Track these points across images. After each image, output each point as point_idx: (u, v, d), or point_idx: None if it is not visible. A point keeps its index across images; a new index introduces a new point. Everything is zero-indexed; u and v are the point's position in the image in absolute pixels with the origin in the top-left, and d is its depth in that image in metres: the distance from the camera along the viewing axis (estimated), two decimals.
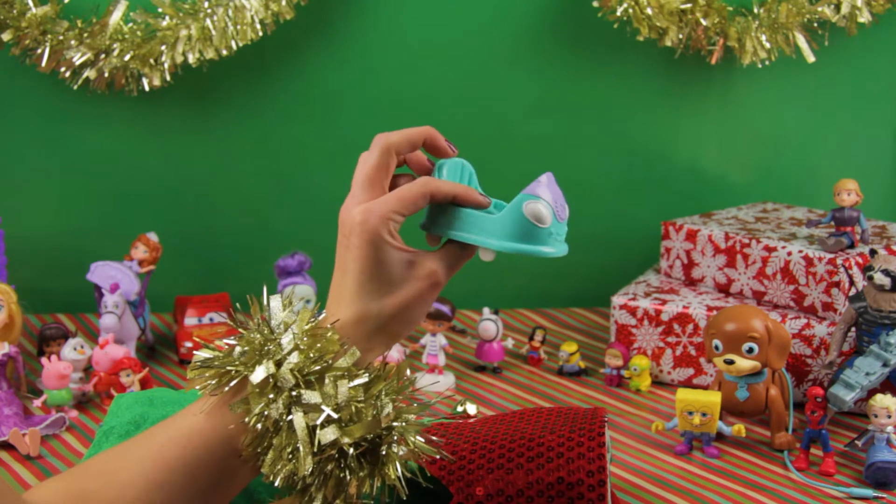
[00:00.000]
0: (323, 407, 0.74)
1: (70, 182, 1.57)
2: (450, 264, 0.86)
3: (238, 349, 0.78)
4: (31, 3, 1.42)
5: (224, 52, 1.45)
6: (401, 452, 0.76)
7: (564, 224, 0.91)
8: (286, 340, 0.78)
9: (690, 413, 1.17)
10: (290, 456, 0.74)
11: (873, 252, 1.26)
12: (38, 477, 1.13)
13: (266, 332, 0.78)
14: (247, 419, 0.75)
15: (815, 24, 1.52)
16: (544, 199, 0.89)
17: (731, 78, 1.59)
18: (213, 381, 0.78)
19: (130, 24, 1.44)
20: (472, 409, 1.20)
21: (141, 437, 0.79)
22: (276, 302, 0.81)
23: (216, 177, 1.58)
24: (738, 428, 1.18)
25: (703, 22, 1.49)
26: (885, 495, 1.09)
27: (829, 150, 1.65)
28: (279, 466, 0.74)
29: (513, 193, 1.66)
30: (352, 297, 0.83)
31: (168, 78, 1.45)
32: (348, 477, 0.74)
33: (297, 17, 1.47)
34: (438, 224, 0.92)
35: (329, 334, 0.79)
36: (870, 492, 1.09)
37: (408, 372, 0.79)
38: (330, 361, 0.77)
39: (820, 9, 1.50)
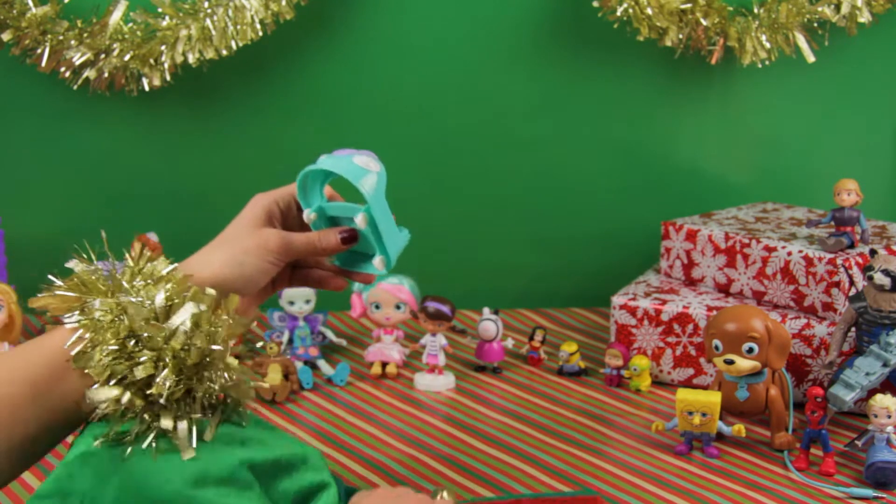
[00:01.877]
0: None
1: (70, 182, 1.57)
2: (291, 238, 0.96)
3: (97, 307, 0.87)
4: (31, 3, 1.42)
5: (224, 52, 1.45)
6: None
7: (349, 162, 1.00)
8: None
9: (690, 413, 1.17)
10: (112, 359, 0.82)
11: (873, 252, 1.26)
12: (37, 476, 1.13)
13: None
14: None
15: (815, 24, 1.52)
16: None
17: (731, 78, 1.59)
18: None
19: (130, 24, 1.44)
20: (448, 498, 1.18)
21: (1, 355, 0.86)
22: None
23: (216, 177, 1.58)
24: (738, 428, 1.18)
25: (704, 22, 1.49)
26: (885, 495, 1.09)
27: (829, 150, 1.65)
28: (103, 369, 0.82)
29: (513, 193, 1.67)
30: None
31: (168, 78, 1.45)
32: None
33: (297, 17, 1.47)
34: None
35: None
36: (870, 492, 1.09)
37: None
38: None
39: (820, 9, 1.50)
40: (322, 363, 1.41)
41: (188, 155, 1.57)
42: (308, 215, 0.98)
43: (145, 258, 0.91)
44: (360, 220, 0.96)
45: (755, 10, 1.52)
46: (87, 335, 0.84)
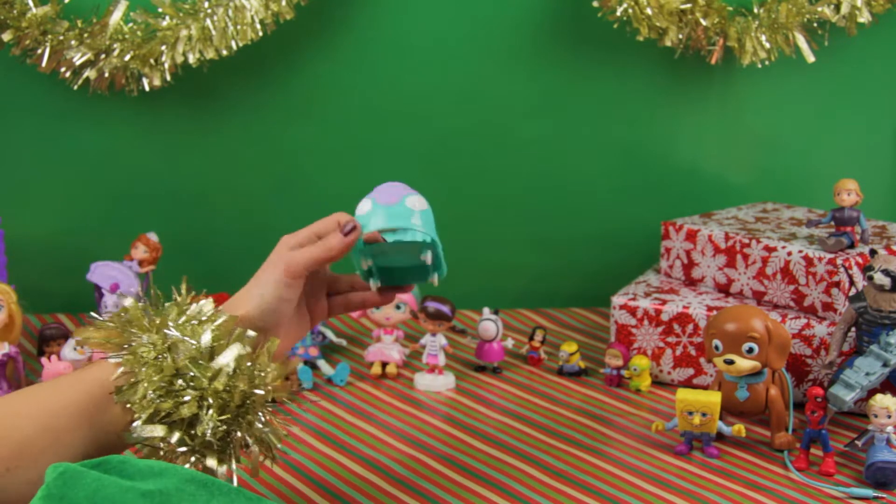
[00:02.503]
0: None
1: (70, 182, 1.57)
2: (296, 253, 1.01)
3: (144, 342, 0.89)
4: (31, 3, 1.42)
5: (224, 52, 1.45)
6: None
7: (401, 210, 1.03)
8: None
9: (690, 413, 1.17)
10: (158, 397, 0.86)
11: (873, 252, 1.26)
12: None
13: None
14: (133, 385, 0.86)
15: (815, 24, 1.52)
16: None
17: (730, 78, 1.59)
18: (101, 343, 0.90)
19: (130, 24, 1.44)
20: None
21: (43, 386, 0.90)
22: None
23: (216, 177, 1.58)
24: (738, 428, 1.18)
25: (703, 22, 1.49)
26: (885, 495, 1.09)
27: (829, 150, 1.65)
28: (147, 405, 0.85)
29: (513, 193, 1.67)
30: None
31: (168, 78, 1.45)
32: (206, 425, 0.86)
33: (297, 17, 1.47)
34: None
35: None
36: (870, 492, 1.09)
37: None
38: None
39: (820, 9, 1.50)
40: (322, 363, 1.41)
41: (188, 155, 1.57)
42: (374, 285, 1.02)
43: (190, 297, 0.94)
44: (427, 259, 1.04)
45: (755, 10, 1.52)
46: (131, 370, 0.87)
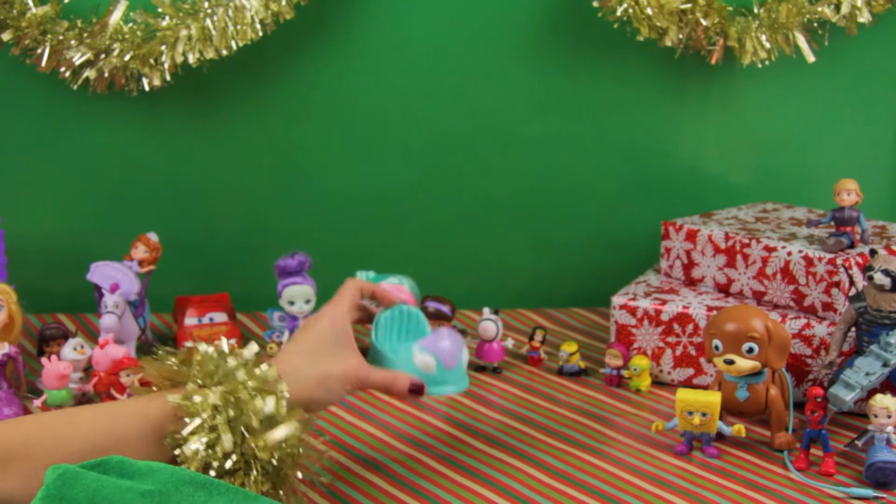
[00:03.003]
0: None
1: (70, 182, 1.57)
2: (369, 373, 1.06)
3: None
4: (31, 3, 1.42)
5: (224, 52, 1.45)
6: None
7: (455, 369, 1.11)
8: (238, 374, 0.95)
9: (690, 413, 1.17)
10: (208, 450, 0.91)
11: (873, 252, 1.26)
12: None
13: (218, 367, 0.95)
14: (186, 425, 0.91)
15: (815, 24, 1.52)
16: (430, 351, 1.09)
17: (731, 78, 1.59)
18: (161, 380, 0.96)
19: (130, 24, 1.44)
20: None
21: (89, 409, 0.95)
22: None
23: (216, 177, 1.58)
24: (738, 428, 1.18)
25: (703, 22, 1.49)
26: (885, 495, 1.09)
27: (829, 150, 1.65)
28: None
29: (513, 193, 1.67)
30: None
31: (168, 78, 1.45)
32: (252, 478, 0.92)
33: (297, 17, 1.47)
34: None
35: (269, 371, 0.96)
36: (870, 492, 1.09)
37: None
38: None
39: (820, 9, 1.50)
40: None
41: (188, 155, 1.57)
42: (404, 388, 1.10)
43: (259, 360, 0.97)
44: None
45: (755, 10, 1.52)
46: (187, 413, 0.91)
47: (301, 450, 0.94)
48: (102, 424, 0.92)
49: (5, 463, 0.86)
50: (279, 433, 0.92)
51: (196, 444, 0.90)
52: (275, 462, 0.92)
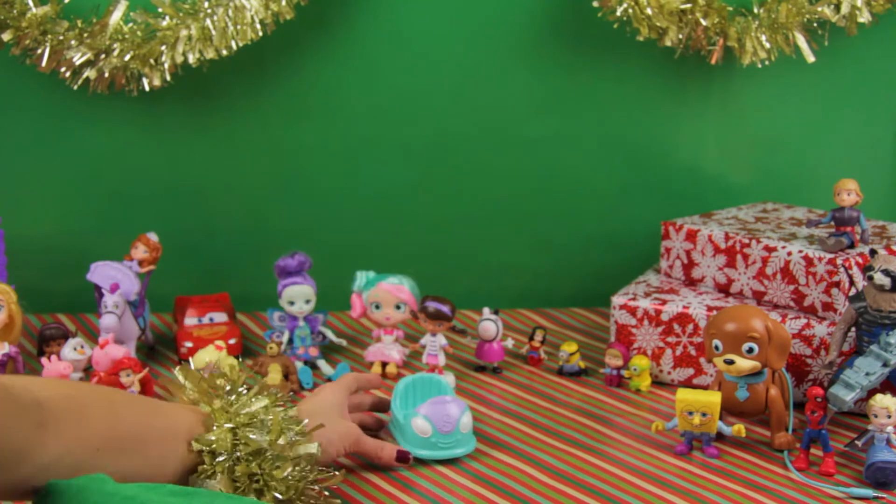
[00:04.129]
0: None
1: (70, 182, 1.57)
2: (362, 438, 1.14)
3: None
4: (31, 3, 1.42)
5: (224, 52, 1.45)
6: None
7: (454, 434, 1.16)
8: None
9: (690, 413, 1.17)
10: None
11: (873, 252, 1.26)
12: None
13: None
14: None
15: (815, 24, 1.52)
16: (426, 416, 1.16)
17: (731, 78, 1.59)
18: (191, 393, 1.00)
19: (130, 24, 1.44)
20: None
21: (144, 401, 0.99)
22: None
23: (216, 177, 1.58)
24: (738, 428, 1.18)
25: (703, 22, 1.49)
26: (885, 495, 1.09)
27: (829, 150, 1.65)
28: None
29: (513, 193, 1.67)
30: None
31: (168, 78, 1.45)
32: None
33: (297, 17, 1.47)
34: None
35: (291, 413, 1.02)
36: (870, 492, 1.09)
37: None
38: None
39: (820, 9, 1.50)
40: (322, 363, 1.41)
41: (188, 155, 1.57)
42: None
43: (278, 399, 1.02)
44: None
45: (755, 10, 1.52)
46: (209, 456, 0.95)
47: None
48: (152, 420, 0.93)
49: (58, 422, 0.83)
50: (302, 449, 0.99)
51: (221, 476, 0.94)
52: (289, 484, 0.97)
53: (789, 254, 1.33)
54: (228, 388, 0.99)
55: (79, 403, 0.86)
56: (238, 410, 0.97)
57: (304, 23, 1.50)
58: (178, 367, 1.02)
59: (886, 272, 1.20)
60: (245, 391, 1.00)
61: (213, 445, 0.94)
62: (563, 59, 1.56)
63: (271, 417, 0.97)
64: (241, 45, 1.45)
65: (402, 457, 1.14)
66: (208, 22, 1.43)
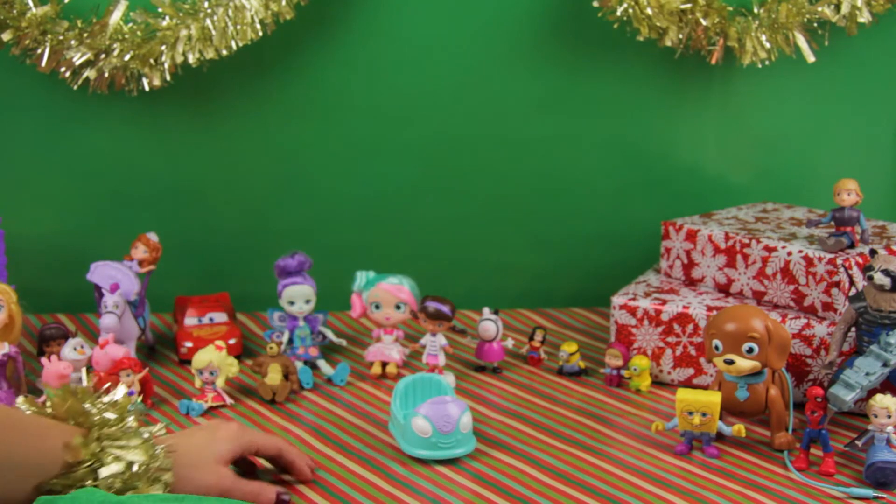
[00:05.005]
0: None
1: (70, 182, 1.57)
2: (235, 485, 1.06)
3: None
4: (31, 3, 1.42)
5: (224, 52, 1.45)
6: None
7: (454, 434, 1.15)
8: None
9: (690, 413, 1.17)
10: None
11: (873, 252, 1.26)
12: None
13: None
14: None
15: (815, 24, 1.52)
16: (426, 416, 1.15)
17: (731, 78, 1.59)
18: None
19: (130, 24, 1.44)
20: None
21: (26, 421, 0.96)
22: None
23: (216, 177, 1.58)
24: (738, 428, 1.18)
25: (703, 22, 1.48)
26: (885, 495, 1.09)
27: (829, 150, 1.65)
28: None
29: (513, 193, 1.67)
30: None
31: (168, 78, 1.45)
32: None
33: (297, 17, 1.47)
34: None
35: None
36: (870, 492, 1.09)
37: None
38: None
39: (820, 9, 1.50)
40: (322, 363, 1.41)
41: (188, 155, 1.57)
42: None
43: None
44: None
45: (755, 10, 1.52)
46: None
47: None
48: (14, 448, 0.93)
49: None
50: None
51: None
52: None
53: (789, 254, 1.33)
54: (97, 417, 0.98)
55: None
56: (107, 446, 0.96)
57: (304, 23, 1.50)
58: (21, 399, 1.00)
59: (886, 272, 1.20)
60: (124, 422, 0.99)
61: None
62: (563, 59, 1.56)
63: (140, 459, 0.96)
64: (240, 45, 1.45)
65: (283, 501, 1.07)
66: (208, 22, 1.43)
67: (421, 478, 1.13)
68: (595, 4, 1.48)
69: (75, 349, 1.32)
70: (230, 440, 1.07)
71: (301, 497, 1.09)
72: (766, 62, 1.52)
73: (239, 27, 1.44)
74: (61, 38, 1.43)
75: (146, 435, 0.98)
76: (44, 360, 1.27)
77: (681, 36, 1.49)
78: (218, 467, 1.05)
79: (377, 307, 1.40)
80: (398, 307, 1.40)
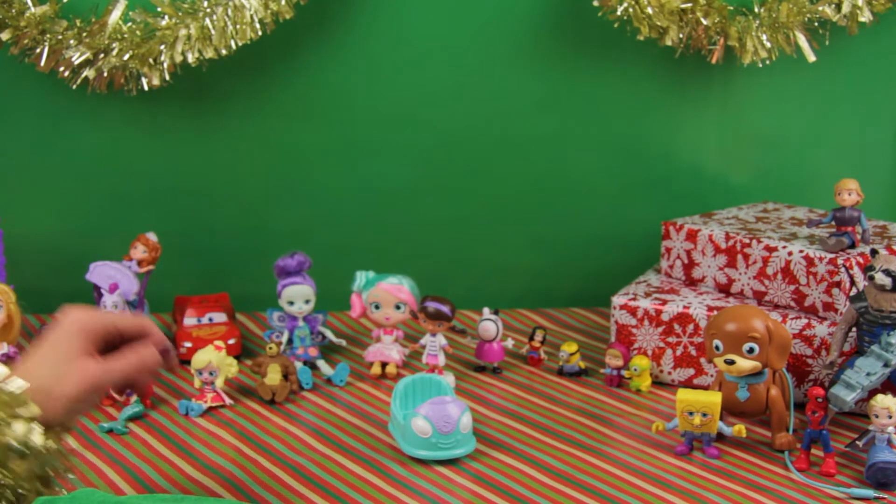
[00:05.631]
0: None
1: (70, 182, 1.57)
2: (105, 370, 0.93)
3: None
4: (29, 3, 1.42)
5: (223, 52, 1.45)
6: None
7: (454, 434, 1.15)
8: None
9: (691, 413, 1.17)
10: None
11: (874, 252, 1.26)
12: None
13: None
14: None
15: (816, 24, 1.52)
16: (422, 415, 1.15)
17: (731, 77, 1.59)
18: None
19: (129, 24, 1.44)
20: None
21: None
22: None
23: (216, 177, 1.58)
24: (739, 428, 1.17)
25: (704, 21, 1.48)
26: (885, 496, 1.09)
27: (829, 150, 1.65)
28: None
29: (513, 193, 1.67)
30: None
31: (167, 77, 1.45)
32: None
33: (296, 17, 1.47)
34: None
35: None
36: (870, 492, 1.09)
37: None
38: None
39: (821, 8, 1.50)
40: (322, 363, 1.41)
41: (188, 155, 1.57)
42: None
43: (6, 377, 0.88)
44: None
45: (756, 10, 1.52)
46: None
47: (50, 470, 0.87)
48: None
49: None
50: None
51: None
52: (21, 491, 0.83)
53: (790, 254, 1.33)
54: None
55: None
56: None
57: (304, 22, 1.50)
58: None
59: (887, 272, 1.19)
60: None
61: None
62: (563, 59, 1.56)
63: None
64: (240, 44, 1.45)
65: (165, 352, 0.96)
66: (207, 21, 1.43)
67: (421, 478, 1.13)
68: (595, 4, 1.47)
69: None
70: (81, 329, 0.92)
71: (301, 497, 1.09)
72: (767, 62, 1.51)
73: (238, 26, 1.44)
74: (60, 37, 1.43)
75: None
76: None
77: (681, 35, 1.49)
78: (79, 362, 0.90)
79: (377, 307, 1.40)
80: (398, 307, 1.39)
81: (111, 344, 0.95)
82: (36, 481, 0.85)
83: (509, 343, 1.42)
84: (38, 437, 0.85)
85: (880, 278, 1.20)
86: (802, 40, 1.51)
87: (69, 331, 0.92)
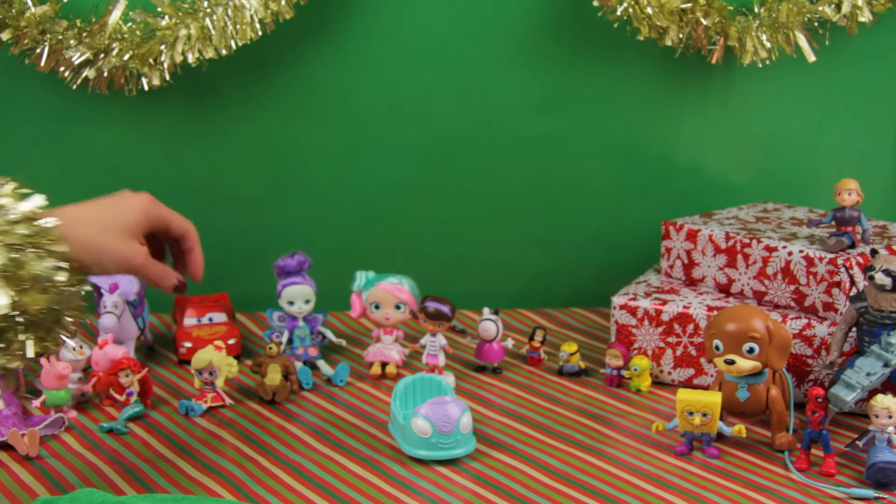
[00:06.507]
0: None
1: (70, 182, 1.57)
2: (145, 264, 1.01)
3: None
4: (29, 3, 1.42)
5: (223, 52, 1.45)
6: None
7: (454, 434, 1.15)
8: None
9: (691, 413, 1.17)
10: None
11: (874, 252, 1.26)
12: (36, 478, 1.12)
13: None
14: None
15: (816, 24, 1.52)
16: (423, 415, 1.15)
17: (731, 77, 1.59)
18: None
19: (130, 24, 1.44)
20: None
21: None
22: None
23: (216, 177, 1.58)
24: (739, 428, 1.17)
25: (704, 21, 1.48)
26: (885, 496, 1.09)
27: (829, 150, 1.65)
28: None
29: (513, 193, 1.67)
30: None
31: (167, 77, 1.45)
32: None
33: (296, 17, 1.47)
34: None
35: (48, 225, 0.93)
36: (870, 492, 1.09)
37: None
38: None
39: (821, 8, 1.50)
40: (322, 363, 1.41)
41: (188, 154, 1.57)
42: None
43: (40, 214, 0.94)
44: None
45: (756, 10, 1.52)
46: None
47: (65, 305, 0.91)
48: None
49: None
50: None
51: None
52: (42, 315, 0.88)
53: (790, 254, 1.33)
54: None
55: None
56: None
57: (304, 22, 1.50)
58: None
59: (887, 272, 1.19)
60: None
61: None
62: (563, 59, 1.56)
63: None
64: (240, 44, 1.45)
65: (179, 287, 1.04)
66: (207, 21, 1.43)
67: (421, 478, 1.13)
68: (595, 4, 1.47)
69: (74, 349, 1.32)
70: (142, 211, 1.03)
71: (301, 497, 1.09)
72: (767, 62, 1.52)
73: (238, 27, 1.44)
74: (60, 37, 1.43)
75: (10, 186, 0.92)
76: (43, 360, 1.27)
77: (681, 35, 1.49)
78: (130, 239, 1.00)
79: (377, 307, 1.40)
80: (398, 307, 1.39)
81: (152, 233, 1.04)
82: (50, 317, 0.88)
83: (509, 343, 1.42)
84: (62, 275, 0.90)
85: (880, 278, 1.20)
86: (802, 40, 1.51)
87: (132, 207, 1.02)
